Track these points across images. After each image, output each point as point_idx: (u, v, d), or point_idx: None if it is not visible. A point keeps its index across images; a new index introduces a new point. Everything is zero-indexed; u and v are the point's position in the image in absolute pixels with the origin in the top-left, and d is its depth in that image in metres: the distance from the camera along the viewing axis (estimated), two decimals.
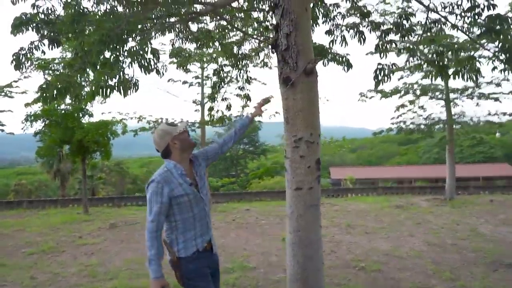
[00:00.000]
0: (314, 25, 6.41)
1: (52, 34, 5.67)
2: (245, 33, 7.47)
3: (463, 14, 4.94)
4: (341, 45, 6.29)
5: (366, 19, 5.83)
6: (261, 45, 7.84)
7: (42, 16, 5.70)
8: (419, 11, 5.48)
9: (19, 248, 10.58)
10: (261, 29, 7.47)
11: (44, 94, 4.79)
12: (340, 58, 6.62)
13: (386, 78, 5.60)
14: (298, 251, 4.38)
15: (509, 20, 4.69)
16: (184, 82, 17.82)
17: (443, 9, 5.19)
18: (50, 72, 10.67)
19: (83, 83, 5.32)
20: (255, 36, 7.58)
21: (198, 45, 7.21)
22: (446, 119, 19.50)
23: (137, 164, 68.43)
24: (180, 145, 3.15)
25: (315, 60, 4.08)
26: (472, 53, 5.32)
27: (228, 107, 8.47)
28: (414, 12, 5.38)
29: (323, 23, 6.29)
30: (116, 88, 4.17)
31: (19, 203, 22.96)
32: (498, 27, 4.60)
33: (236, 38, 8.10)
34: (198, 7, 6.47)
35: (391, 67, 5.59)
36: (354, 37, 6.01)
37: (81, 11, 5.31)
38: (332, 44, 6.35)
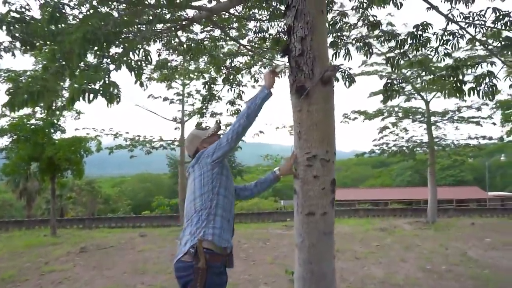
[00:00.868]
0: None
1: (25, 35, 5.02)
2: (240, 44, 6.97)
3: (485, 25, 4.63)
4: (345, 59, 5.87)
5: (376, 30, 5.44)
6: (255, 58, 7.36)
7: (15, 15, 5.05)
8: (435, 22, 5.16)
9: None
10: (257, 40, 6.99)
11: (12, 99, 4.08)
12: (343, 73, 6.18)
13: (395, 94, 5.19)
14: (311, 286, 3.79)
15: None
16: (165, 99, 17.12)
17: (463, 20, 4.88)
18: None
19: (59, 89, 4.68)
20: (249, 47, 7.09)
21: (189, 56, 6.64)
22: (428, 141, 19.50)
23: (109, 183, 66.18)
24: None
25: (335, 67, 3.59)
26: (490, 68, 4.91)
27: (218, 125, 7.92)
28: (431, 24, 5.03)
29: (328, 34, 5.88)
30: (102, 93, 3.52)
31: None
32: None
33: (229, 48, 7.59)
34: (190, 13, 5.94)
35: (400, 82, 5.17)
36: (360, 50, 5.61)
37: (60, 9, 4.66)
38: (335, 57, 5.92)
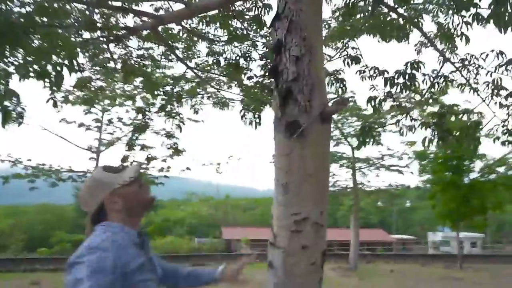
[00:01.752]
0: None
1: None
2: (188, 66, 5.86)
3: (478, 70, 4.17)
4: None
5: (355, 63, 4.76)
6: (201, 85, 6.30)
7: None
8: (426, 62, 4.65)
9: None
10: (208, 64, 5.96)
11: None
12: None
13: (372, 139, 4.47)
14: None
15: None
16: (81, 125, 15.03)
17: (460, 61, 4.40)
18: None
19: None
20: (196, 71, 6.02)
21: (124, 75, 5.37)
22: (353, 186, 19.67)
23: (3, 214, 58.17)
24: (125, 204, 1.93)
25: (344, 100, 2.67)
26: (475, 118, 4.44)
27: (149, 160, 6.50)
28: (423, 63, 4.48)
29: None
30: None
31: None
32: None
33: (172, 71, 6.43)
34: (130, 22, 4.74)
35: (376, 126, 4.47)
36: (332, 85, 4.87)
37: None
38: None
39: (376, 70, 4.66)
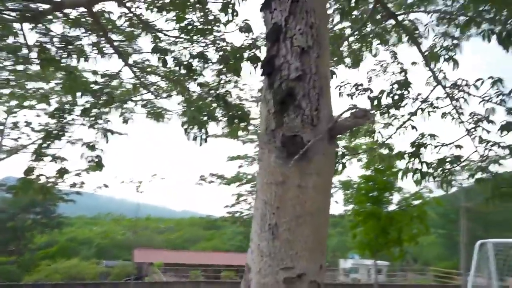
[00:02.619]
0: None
1: None
2: (126, 63, 4.75)
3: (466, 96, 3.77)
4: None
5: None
6: (138, 87, 5.26)
7: None
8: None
9: None
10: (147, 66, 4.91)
11: None
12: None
13: (344, 164, 3.85)
14: None
15: None
16: None
17: (452, 86, 3.96)
18: None
19: None
20: (136, 70, 4.95)
21: (40, 65, 4.17)
22: None
23: None
24: None
25: (365, 113, 1.94)
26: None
27: (61, 173, 5.17)
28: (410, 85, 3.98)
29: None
30: None
31: None
32: None
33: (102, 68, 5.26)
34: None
35: (350, 151, 3.88)
36: None
37: None
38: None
39: (359, 87, 4.10)
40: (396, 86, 3.93)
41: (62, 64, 4.77)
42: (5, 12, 4.18)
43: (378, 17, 4.03)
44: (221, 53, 4.26)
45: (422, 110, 4.17)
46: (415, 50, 4.31)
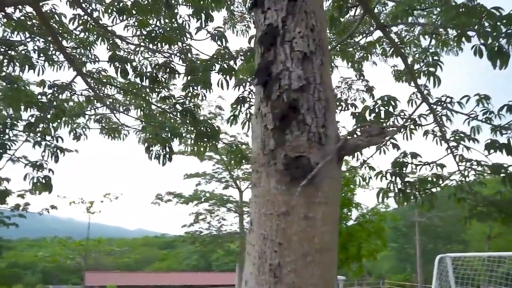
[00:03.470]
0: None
1: None
2: (79, 72, 4.19)
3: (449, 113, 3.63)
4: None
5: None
6: (92, 99, 4.71)
7: None
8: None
9: None
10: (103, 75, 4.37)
11: None
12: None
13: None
14: None
15: None
16: None
17: (438, 103, 3.79)
18: None
19: None
20: (93, 79, 4.40)
21: None
22: (239, 231, 18.80)
23: None
24: None
25: (384, 131, 1.65)
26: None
27: (2, 195, 4.46)
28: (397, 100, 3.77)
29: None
30: None
31: None
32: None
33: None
34: None
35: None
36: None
37: None
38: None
39: (343, 103, 3.86)
40: (380, 102, 3.75)
41: (2, 74, 4.17)
42: None
43: (364, 28, 3.88)
44: (188, 63, 3.87)
45: (405, 127, 4.01)
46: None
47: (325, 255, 1.62)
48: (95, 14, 3.89)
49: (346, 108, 4.02)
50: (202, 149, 4.35)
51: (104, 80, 4.48)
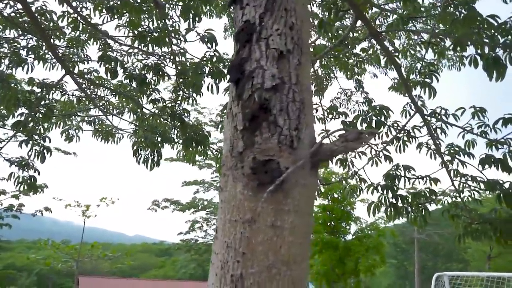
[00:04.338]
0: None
1: None
2: (68, 71, 4.12)
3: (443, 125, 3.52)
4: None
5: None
6: (83, 102, 4.63)
7: None
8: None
9: None
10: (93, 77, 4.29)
11: None
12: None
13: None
14: None
15: None
16: None
17: (432, 115, 3.68)
18: None
19: None
20: (83, 79, 4.31)
21: None
22: None
23: None
24: None
25: (361, 136, 1.55)
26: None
27: None
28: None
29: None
30: None
31: None
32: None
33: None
34: None
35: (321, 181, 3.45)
36: None
37: None
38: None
39: (333, 112, 3.76)
40: (371, 111, 3.64)
41: None
42: None
43: (357, 35, 3.80)
44: (178, 66, 3.79)
45: (398, 139, 3.89)
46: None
47: (293, 268, 1.50)
48: (85, 12, 3.83)
49: (336, 117, 3.93)
50: (191, 154, 4.25)
51: (97, 82, 4.40)
